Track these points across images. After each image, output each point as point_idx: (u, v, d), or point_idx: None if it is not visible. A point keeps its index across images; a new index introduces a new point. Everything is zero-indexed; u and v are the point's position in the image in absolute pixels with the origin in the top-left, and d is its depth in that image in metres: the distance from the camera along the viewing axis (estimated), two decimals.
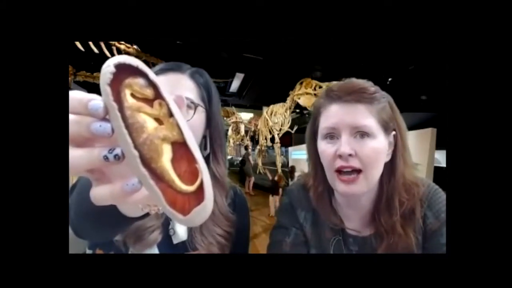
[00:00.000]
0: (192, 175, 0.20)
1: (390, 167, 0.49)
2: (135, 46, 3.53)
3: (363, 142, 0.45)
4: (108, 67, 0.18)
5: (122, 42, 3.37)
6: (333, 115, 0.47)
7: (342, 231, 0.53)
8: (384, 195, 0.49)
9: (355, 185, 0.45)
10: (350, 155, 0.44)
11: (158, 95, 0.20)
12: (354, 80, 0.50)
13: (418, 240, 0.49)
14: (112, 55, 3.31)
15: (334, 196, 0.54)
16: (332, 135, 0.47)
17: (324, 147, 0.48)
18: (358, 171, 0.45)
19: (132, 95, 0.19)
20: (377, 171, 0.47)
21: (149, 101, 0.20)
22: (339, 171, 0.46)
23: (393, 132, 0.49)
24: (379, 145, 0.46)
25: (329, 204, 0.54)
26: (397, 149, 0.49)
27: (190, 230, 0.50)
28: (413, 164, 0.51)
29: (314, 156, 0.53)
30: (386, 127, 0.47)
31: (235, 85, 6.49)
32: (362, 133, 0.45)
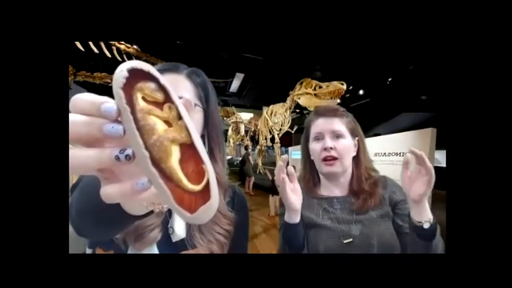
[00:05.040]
0: (199, 175, 0.21)
1: (356, 160, 0.76)
2: (135, 46, 3.54)
3: (339, 141, 0.72)
4: (121, 72, 0.19)
5: (122, 42, 3.37)
6: (319, 124, 0.75)
7: (326, 199, 0.76)
8: (355, 176, 0.76)
9: (334, 167, 0.72)
10: (331, 148, 0.71)
11: (168, 98, 0.21)
12: (330, 104, 0.82)
13: (384, 198, 0.72)
14: (112, 55, 3.32)
15: (320, 182, 0.81)
16: (319, 138, 0.74)
17: (314, 146, 0.75)
18: (335, 159, 0.72)
19: (144, 98, 0.20)
20: (347, 159, 0.73)
21: (159, 104, 0.21)
22: (324, 160, 0.72)
23: (357, 138, 0.76)
24: (348, 143, 0.73)
25: (313, 186, 0.81)
26: (360, 149, 0.76)
27: (189, 229, 0.50)
28: (369, 158, 0.80)
29: (305, 154, 0.81)
30: (352, 133, 0.75)
31: (235, 85, 6.49)
32: (337, 135, 0.72)
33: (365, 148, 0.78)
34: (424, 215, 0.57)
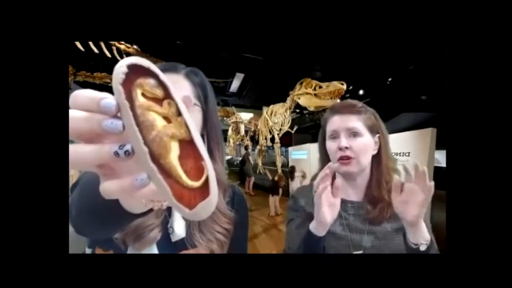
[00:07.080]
0: (198, 171, 0.21)
1: (377, 159, 0.70)
2: (135, 46, 3.54)
3: (355, 139, 0.67)
4: (121, 68, 0.19)
5: (122, 42, 3.37)
6: (334, 122, 0.70)
7: (341, 201, 0.69)
8: (374, 178, 0.70)
9: (350, 166, 0.66)
10: (346, 147, 0.65)
11: (167, 95, 0.21)
12: (348, 100, 0.75)
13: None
14: (112, 55, 3.32)
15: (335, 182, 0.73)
16: (335, 136, 0.69)
17: (330, 144, 0.70)
18: (351, 158, 0.66)
19: (143, 94, 0.20)
20: (365, 158, 0.67)
21: (158, 101, 0.21)
22: (340, 159, 0.67)
23: (378, 135, 0.70)
24: (365, 141, 0.67)
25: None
26: (381, 147, 0.70)
27: (189, 228, 0.50)
28: (393, 157, 0.73)
29: (323, 152, 0.75)
30: (371, 130, 0.69)
31: (235, 85, 6.50)
32: (354, 133, 0.67)
33: (387, 146, 0.72)
34: (421, 237, 0.55)
